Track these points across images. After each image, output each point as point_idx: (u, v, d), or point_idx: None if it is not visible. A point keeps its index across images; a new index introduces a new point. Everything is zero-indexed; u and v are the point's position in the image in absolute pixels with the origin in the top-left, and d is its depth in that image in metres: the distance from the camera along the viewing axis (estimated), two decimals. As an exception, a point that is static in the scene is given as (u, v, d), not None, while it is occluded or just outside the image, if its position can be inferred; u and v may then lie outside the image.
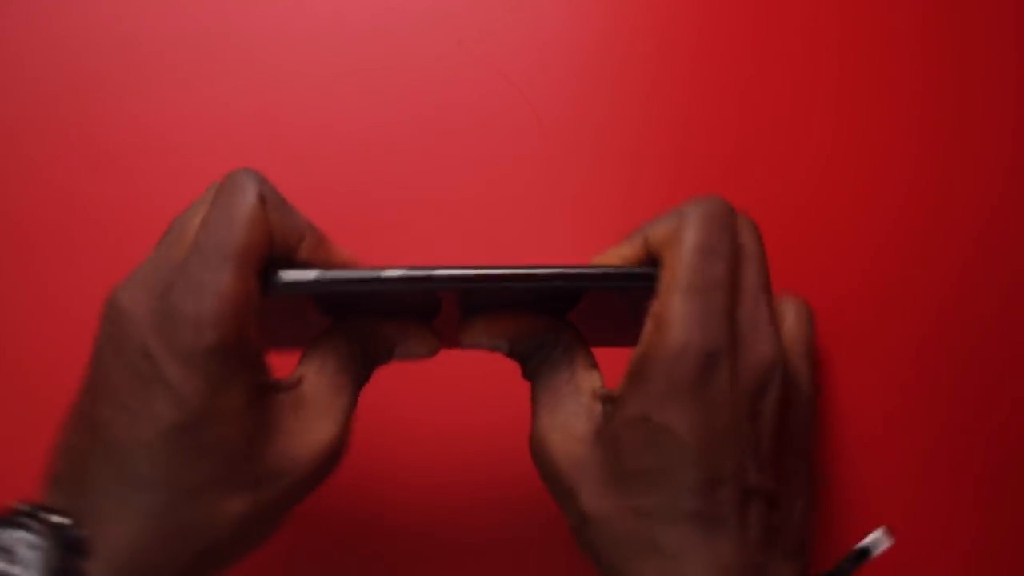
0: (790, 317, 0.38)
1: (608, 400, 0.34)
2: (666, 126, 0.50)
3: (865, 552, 0.34)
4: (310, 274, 0.32)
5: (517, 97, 0.50)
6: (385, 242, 0.49)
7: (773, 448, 0.33)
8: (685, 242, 0.33)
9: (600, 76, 0.50)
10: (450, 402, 0.47)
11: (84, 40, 0.50)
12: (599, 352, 0.39)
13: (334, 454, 0.34)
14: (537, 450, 0.35)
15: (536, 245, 0.49)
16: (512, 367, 0.46)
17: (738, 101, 0.50)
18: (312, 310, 0.35)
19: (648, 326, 0.33)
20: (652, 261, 0.34)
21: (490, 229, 0.49)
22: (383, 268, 0.32)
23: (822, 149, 0.50)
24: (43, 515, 0.30)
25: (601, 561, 0.34)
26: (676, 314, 0.32)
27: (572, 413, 0.35)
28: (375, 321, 0.36)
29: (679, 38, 0.51)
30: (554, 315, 0.36)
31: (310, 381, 0.34)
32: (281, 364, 0.44)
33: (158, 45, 0.50)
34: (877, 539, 0.35)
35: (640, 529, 0.32)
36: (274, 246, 0.32)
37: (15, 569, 0.29)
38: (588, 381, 0.36)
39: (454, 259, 0.49)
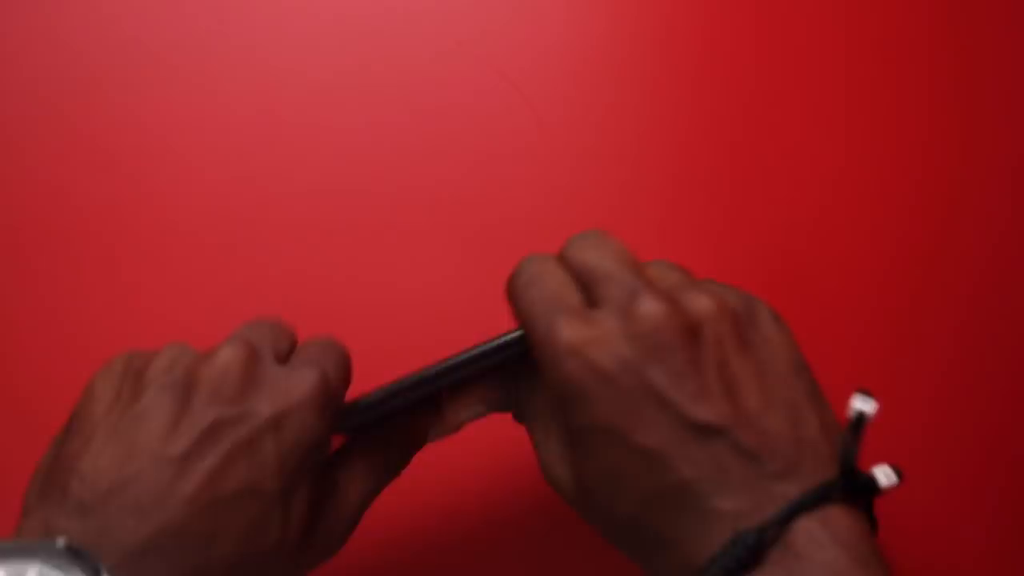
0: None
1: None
2: (666, 127, 0.50)
3: (860, 419, 0.31)
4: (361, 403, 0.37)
5: (517, 97, 0.50)
6: (385, 242, 0.49)
7: (718, 380, 0.31)
8: (513, 290, 0.36)
9: (600, 77, 0.50)
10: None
11: (84, 41, 0.50)
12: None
13: (336, 542, 0.37)
14: (552, 485, 0.36)
15: (535, 245, 0.49)
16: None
17: (740, 102, 0.50)
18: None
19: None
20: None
21: (490, 229, 0.49)
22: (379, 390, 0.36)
23: (828, 149, 0.50)
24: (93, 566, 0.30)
25: (638, 560, 0.34)
26: (535, 340, 0.34)
27: (557, 442, 0.35)
28: (403, 424, 0.39)
29: (680, 39, 0.51)
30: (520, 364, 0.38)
31: (339, 484, 0.37)
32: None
33: (158, 46, 0.50)
34: (861, 404, 0.32)
35: (642, 530, 0.32)
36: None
37: None
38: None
39: (453, 261, 0.49)
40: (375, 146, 0.50)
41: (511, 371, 0.38)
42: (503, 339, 0.36)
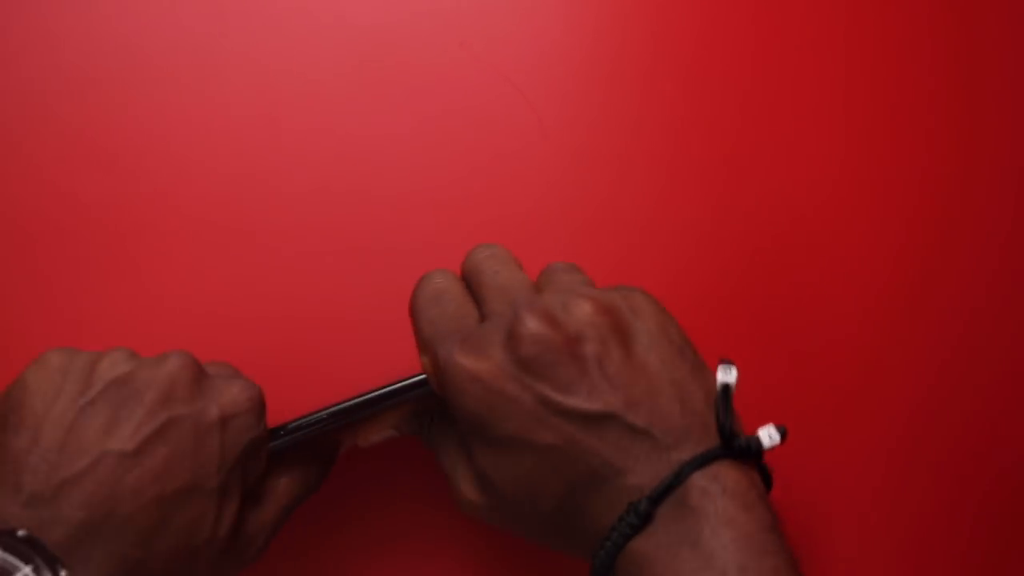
0: (560, 276, 0.40)
1: None
2: (668, 130, 0.50)
3: (726, 389, 0.36)
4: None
5: (518, 98, 0.50)
6: (385, 242, 0.49)
7: (603, 377, 0.35)
8: (414, 307, 0.39)
9: (602, 78, 0.50)
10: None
11: (84, 41, 0.50)
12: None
13: (256, 549, 0.39)
14: (466, 509, 0.39)
15: (536, 245, 0.48)
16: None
17: (745, 109, 0.50)
18: None
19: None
20: None
21: (490, 229, 0.49)
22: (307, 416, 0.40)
23: (826, 150, 0.50)
24: (44, 556, 0.31)
25: (552, 545, 0.38)
26: (436, 365, 0.37)
27: (467, 467, 0.38)
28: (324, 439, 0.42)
29: (686, 45, 0.51)
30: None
31: (261, 496, 0.40)
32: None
33: (159, 46, 0.50)
34: (723, 376, 0.36)
35: (562, 520, 0.36)
36: None
37: None
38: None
39: (453, 261, 0.49)
40: (376, 146, 0.50)
41: (423, 400, 0.41)
42: (415, 379, 0.40)
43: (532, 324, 0.35)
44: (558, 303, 0.36)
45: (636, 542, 0.33)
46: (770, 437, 0.35)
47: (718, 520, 0.32)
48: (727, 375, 0.36)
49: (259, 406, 0.38)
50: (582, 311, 0.36)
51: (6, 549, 0.30)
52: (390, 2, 0.51)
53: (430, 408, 0.41)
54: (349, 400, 0.40)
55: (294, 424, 0.40)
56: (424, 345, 0.38)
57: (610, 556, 0.34)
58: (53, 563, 0.31)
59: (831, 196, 0.49)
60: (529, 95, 0.50)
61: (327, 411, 0.40)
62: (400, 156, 0.50)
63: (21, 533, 0.31)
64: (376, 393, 0.40)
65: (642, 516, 0.33)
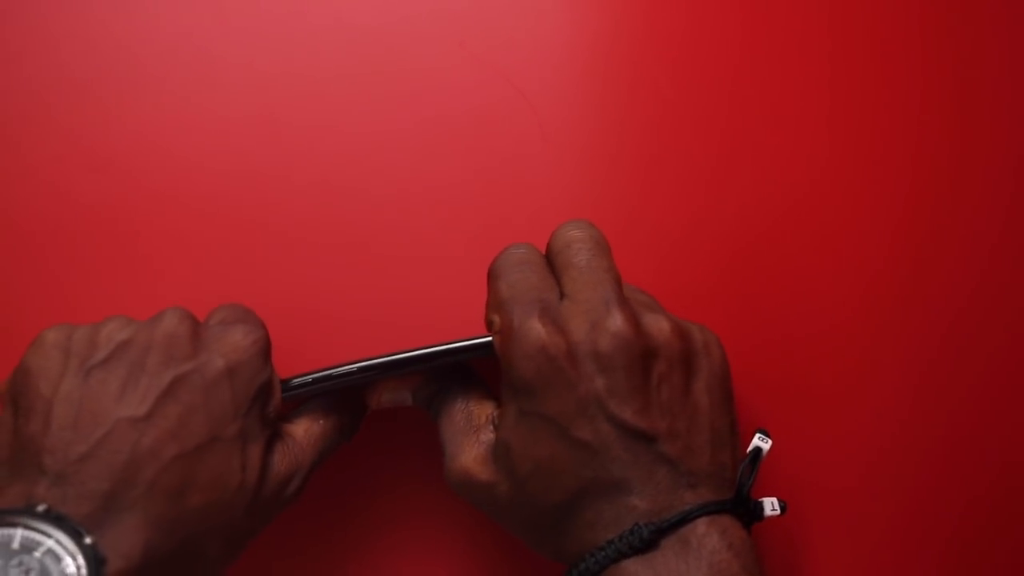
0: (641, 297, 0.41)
1: (495, 420, 0.38)
2: (667, 127, 0.50)
3: (757, 454, 0.37)
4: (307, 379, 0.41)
5: (519, 99, 0.50)
6: (384, 243, 0.49)
7: (659, 398, 0.36)
8: (496, 269, 0.39)
9: (602, 79, 0.51)
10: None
11: (83, 42, 0.50)
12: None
13: (292, 491, 0.39)
14: (464, 486, 0.39)
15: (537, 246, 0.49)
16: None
17: (740, 99, 0.51)
18: None
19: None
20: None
21: (490, 230, 0.49)
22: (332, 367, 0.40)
23: (819, 148, 0.50)
24: (69, 529, 0.31)
25: (540, 545, 0.38)
26: (507, 326, 0.36)
27: (471, 440, 0.39)
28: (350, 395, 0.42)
29: (684, 42, 0.51)
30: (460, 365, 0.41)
31: (296, 437, 0.39)
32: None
33: (157, 47, 0.50)
34: (758, 442, 0.38)
35: (563, 518, 0.36)
36: None
37: None
38: (481, 410, 0.40)
39: (453, 263, 0.49)
40: (374, 147, 0.50)
41: (442, 370, 0.41)
42: (472, 341, 0.39)
43: (620, 322, 0.36)
44: (646, 313, 0.37)
45: (632, 561, 0.35)
46: (772, 507, 0.38)
47: (719, 573, 0.34)
48: (763, 443, 0.38)
49: (263, 349, 0.38)
50: (664, 329, 0.36)
51: (27, 527, 0.30)
52: (389, 3, 0.51)
53: (448, 377, 0.41)
54: (411, 350, 0.40)
55: (339, 369, 0.40)
56: (499, 304, 0.38)
57: (600, 566, 0.35)
58: (77, 534, 0.31)
59: (826, 194, 0.50)
60: (530, 96, 0.50)
61: (390, 357, 0.40)
62: (400, 157, 0.50)
63: (40, 508, 0.31)
64: (439, 348, 0.40)
65: (645, 542, 0.34)
